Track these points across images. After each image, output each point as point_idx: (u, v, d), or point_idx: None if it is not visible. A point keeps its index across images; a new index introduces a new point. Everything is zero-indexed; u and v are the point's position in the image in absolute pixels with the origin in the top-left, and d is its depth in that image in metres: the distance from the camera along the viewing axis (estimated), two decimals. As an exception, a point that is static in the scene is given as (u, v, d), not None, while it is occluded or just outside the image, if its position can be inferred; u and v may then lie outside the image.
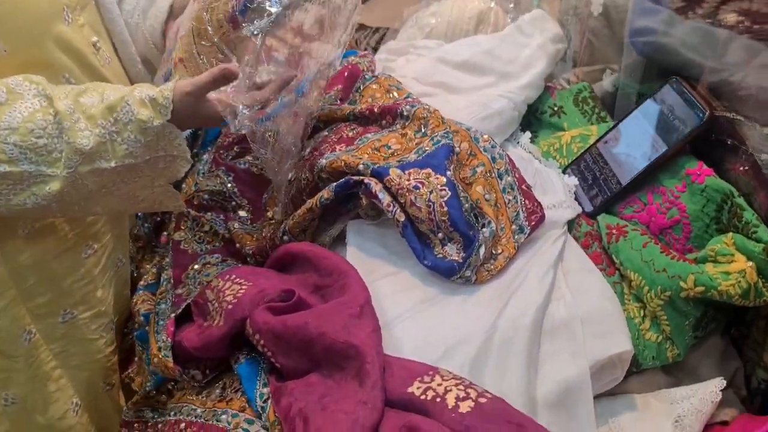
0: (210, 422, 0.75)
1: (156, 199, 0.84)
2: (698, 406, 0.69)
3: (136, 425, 0.92)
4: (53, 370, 0.91)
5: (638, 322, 0.75)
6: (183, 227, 1.00)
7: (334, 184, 0.82)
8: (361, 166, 0.82)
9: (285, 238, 0.88)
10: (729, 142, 0.79)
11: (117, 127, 0.74)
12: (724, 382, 0.71)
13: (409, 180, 0.79)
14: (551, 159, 0.94)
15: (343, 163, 0.83)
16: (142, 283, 1.04)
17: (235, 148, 1.07)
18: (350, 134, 0.92)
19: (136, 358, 1.01)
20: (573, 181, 0.89)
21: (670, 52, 0.95)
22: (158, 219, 1.13)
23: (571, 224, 0.85)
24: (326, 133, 0.95)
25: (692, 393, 0.71)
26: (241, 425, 0.72)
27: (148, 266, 1.11)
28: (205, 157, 1.10)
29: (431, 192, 0.77)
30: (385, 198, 0.79)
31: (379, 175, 0.80)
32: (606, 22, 1.08)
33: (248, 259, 0.93)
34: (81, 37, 0.85)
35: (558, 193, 0.86)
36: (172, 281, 0.94)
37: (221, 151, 1.08)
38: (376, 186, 0.80)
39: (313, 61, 0.84)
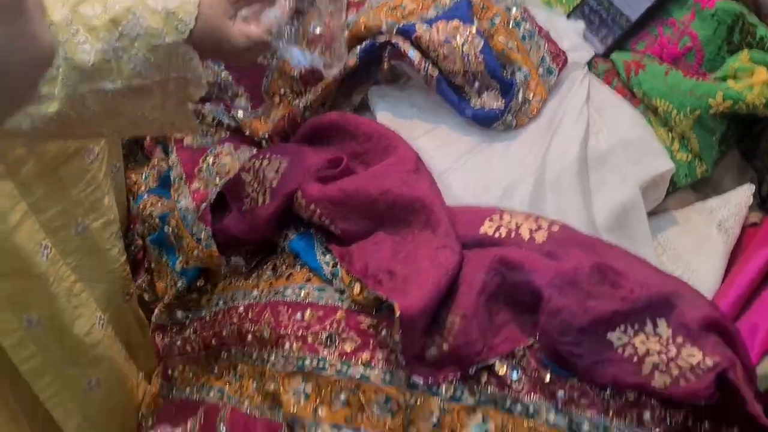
0: (275, 299, 0.75)
1: (167, 120, 0.75)
2: (734, 210, 0.75)
3: (170, 328, 0.90)
4: (74, 285, 0.87)
5: (668, 145, 0.80)
6: None
7: (359, 48, 0.80)
8: (384, 27, 0.80)
9: (307, 114, 0.85)
10: (730, -34, 0.82)
11: (122, 43, 0.65)
12: (754, 187, 0.77)
13: (438, 34, 0.78)
14: (553, 8, 0.95)
15: (362, 26, 0.81)
16: (142, 188, 1.00)
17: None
18: None
19: (151, 264, 0.97)
20: (580, 25, 0.90)
21: None
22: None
23: (588, 66, 0.87)
24: None
25: (726, 200, 0.77)
26: (312, 294, 0.73)
27: (134, 176, 1.06)
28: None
29: (464, 44, 0.77)
30: (415, 56, 0.78)
31: (406, 32, 0.79)
32: None
33: (264, 143, 0.91)
34: None
35: (572, 37, 0.87)
36: (184, 177, 0.91)
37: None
38: (404, 44, 0.78)
39: None
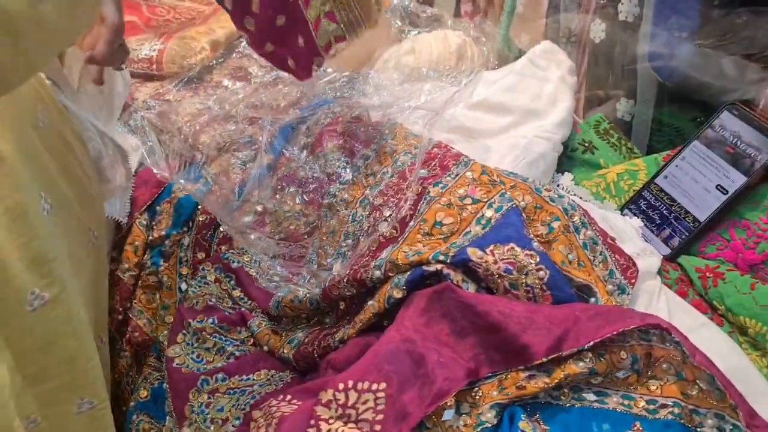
0: None
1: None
2: None
3: None
4: None
5: (764, 373, 0.69)
6: (180, 341, 0.83)
7: (404, 279, 0.68)
8: (431, 262, 0.69)
9: (340, 346, 0.73)
10: (806, 165, 0.75)
11: None
12: None
13: (496, 262, 0.67)
14: (603, 201, 0.86)
15: (401, 262, 0.70)
16: (132, 403, 0.84)
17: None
18: (387, 235, 0.78)
19: None
20: (637, 222, 0.82)
21: (688, 77, 0.93)
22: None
23: (658, 272, 0.77)
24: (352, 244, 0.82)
25: None
26: None
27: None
28: (186, 240, 0.93)
29: (526, 275, 0.67)
30: (469, 289, 0.67)
31: (461, 263, 0.68)
32: (607, 49, 1.04)
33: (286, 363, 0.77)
34: None
35: (636, 240, 0.78)
36: (174, 416, 0.77)
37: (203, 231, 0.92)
38: (455, 275, 0.67)
39: None
